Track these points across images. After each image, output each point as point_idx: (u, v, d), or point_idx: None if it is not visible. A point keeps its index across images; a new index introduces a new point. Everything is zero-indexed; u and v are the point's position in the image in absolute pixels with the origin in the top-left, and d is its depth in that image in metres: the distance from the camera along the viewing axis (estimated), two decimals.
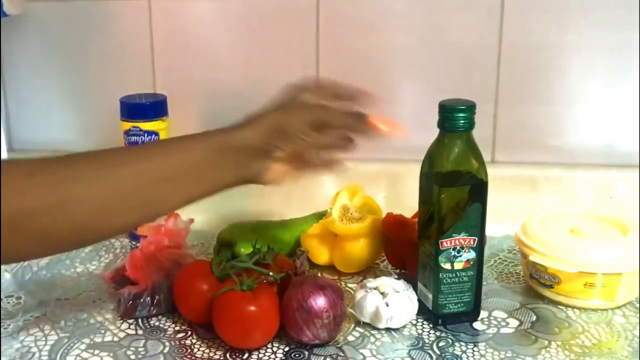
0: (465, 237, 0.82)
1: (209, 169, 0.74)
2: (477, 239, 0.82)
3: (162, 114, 1.04)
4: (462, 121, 0.80)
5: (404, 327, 0.85)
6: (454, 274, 0.83)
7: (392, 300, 0.83)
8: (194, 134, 0.77)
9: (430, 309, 0.84)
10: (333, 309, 0.79)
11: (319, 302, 0.79)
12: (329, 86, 0.82)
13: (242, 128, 0.76)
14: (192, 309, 0.85)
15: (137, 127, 1.02)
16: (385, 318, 0.83)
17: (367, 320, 0.84)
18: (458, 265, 0.82)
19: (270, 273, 0.83)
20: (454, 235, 0.81)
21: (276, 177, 0.77)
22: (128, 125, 1.03)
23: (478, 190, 0.80)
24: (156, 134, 1.03)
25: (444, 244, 0.82)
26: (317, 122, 0.76)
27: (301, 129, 0.76)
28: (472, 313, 0.85)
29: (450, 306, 0.84)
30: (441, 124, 0.82)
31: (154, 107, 1.04)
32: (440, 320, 0.84)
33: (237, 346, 0.81)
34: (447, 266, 0.82)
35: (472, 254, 0.82)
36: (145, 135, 1.02)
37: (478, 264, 0.83)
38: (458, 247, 0.82)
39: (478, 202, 0.82)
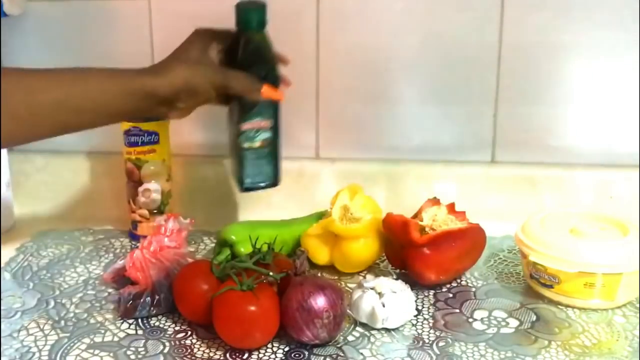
0: (260, 120, 0.93)
1: (120, 105, 0.86)
2: (270, 122, 0.94)
3: None
4: (255, 21, 0.92)
5: (404, 327, 0.85)
6: (254, 151, 0.94)
7: (388, 301, 0.83)
8: (111, 71, 0.87)
9: (238, 181, 0.96)
10: (333, 309, 0.79)
11: (319, 302, 0.79)
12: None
13: (154, 76, 0.86)
14: (192, 309, 0.85)
15: (137, 127, 1.02)
16: (381, 318, 0.83)
17: (363, 320, 0.84)
18: (257, 144, 0.94)
19: (270, 273, 0.83)
20: (251, 119, 0.93)
21: (173, 117, 0.91)
22: (127, 125, 1.03)
23: (270, 80, 0.90)
24: (156, 133, 1.03)
25: (244, 126, 0.93)
26: (220, 84, 0.88)
27: (206, 89, 0.87)
28: (272, 183, 0.97)
29: (254, 178, 0.96)
30: (238, 23, 0.92)
31: None
32: (245, 188, 0.96)
33: (237, 346, 0.81)
34: (247, 145, 0.94)
35: (268, 134, 0.94)
36: (145, 135, 1.02)
37: (273, 143, 0.95)
38: (255, 129, 0.93)
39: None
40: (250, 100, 0.91)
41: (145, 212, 1.06)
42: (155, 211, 1.06)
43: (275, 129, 0.95)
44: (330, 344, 0.81)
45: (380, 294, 0.84)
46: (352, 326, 0.85)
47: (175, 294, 0.86)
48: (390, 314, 0.83)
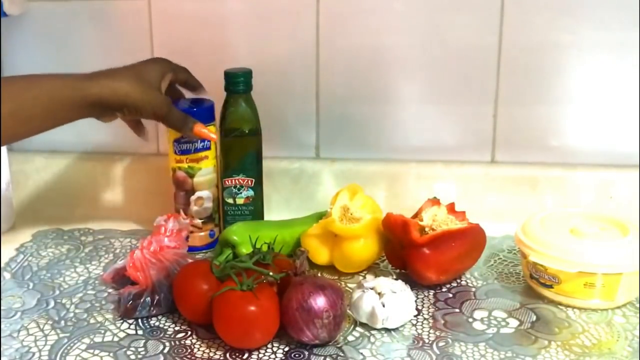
0: (243, 177, 1.01)
1: (67, 113, 0.87)
2: (254, 179, 1.01)
3: (211, 119, 1.01)
4: (241, 85, 0.99)
5: (404, 327, 0.85)
6: (236, 207, 1.02)
7: (388, 301, 0.83)
8: (60, 78, 0.88)
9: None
10: (333, 309, 0.79)
11: (319, 302, 0.79)
12: (182, 74, 0.98)
13: (103, 86, 0.87)
14: (192, 309, 0.85)
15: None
16: (381, 318, 0.83)
17: (363, 320, 0.84)
18: (239, 201, 1.02)
19: (271, 273, 0.83)
20: (234, 175, 1.01)
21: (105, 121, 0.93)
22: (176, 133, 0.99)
23: (253, 140, 1.01)
24: (208, 139, 1.00)
25: (227, 182, 1.01)
26: (161, 114, 0.92)
27: (148, 114, 0.91)
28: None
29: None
30: (226, 87, 1.00)
31: (206, 112, 1.00)
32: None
33: (237, 346, 0.81)
34: (230, 201, 1.02)
35: (250, 192, 1.02)
36: (199, 142, 1.00)
37: (257, 201, 1.03)
38: (238, 186, 1.01)
39: (253, 150, 1.01)
40: (235, 159, 1.00)
41: (198, 222, 1.03)
42: (203, 220, 1.04)
43: (258, 187, 1.02)
44: (330, 344, 0.81)
45: (380, 294, 0.84)
46: (352, 326, 0.85)
47: (175, 294, 0.86)
48: (390, 314, 0.83)
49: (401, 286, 0.86)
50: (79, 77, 0.88)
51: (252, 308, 0.79)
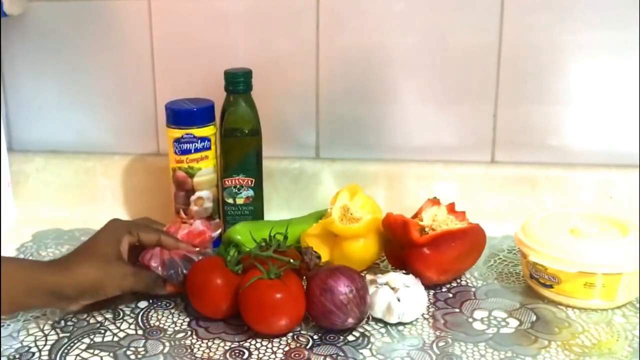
0: (243, 177, 1.01)
1: (23, 299, 0.83)
2: (254, 179, 1.01)
3: (211, 119, 1.02)
4: (241, 85, 0.99)
5: (404, 327, 0.85)
6: (236, 207, 1.02)
7: (403, 295, 0.84)
8: (18, 265, 0.86)
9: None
10: (353, 282, 0.81)
11: (338, 280, 0.81)
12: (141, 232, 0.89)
13: (61, 274, 0.83)
14: (212, 304, 0.85)
15: (190, 134, 1.00)
16: (397, 313, 0.84)
17: (378, 315, 0.85)
18: (239, 200, 1.02)
19: (291, 260, 0.84)
20: (234, 175, 1.01)
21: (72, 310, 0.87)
22: (180, 132, 1.00)
23: (253, 140, 1.01)
24: (208, 139, 1.01)
25: (227, 182, 1.01)
26: (126, 288, 0.87)
27: (112, 292, 0.86)
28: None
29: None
30: (226, 87, 1.00)
31: (206, 112, 1.01)
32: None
33: (267, 332, 0.82)
34: (230, 200, 1.02)
35: (250, 192, 1.02)
36: (199, 141, 1.00)
37: (257, 201, 1.03)
38: (238, 186, 1.01)
39: (253, 150, 1.01)
40: (235, 159, 1.00)
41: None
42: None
43: (258, 187, 1.02)
44: (341, 337, 0.82)
45: (394, 289, 0.85)
46: (366, 321, 0.85)
47: (191, 290, 0.87)
48: (407, 308, 0.84)
49: (413, 280, 0.87)
50: (36, 265, 0.86)
51: (284, 294, 0.81)
